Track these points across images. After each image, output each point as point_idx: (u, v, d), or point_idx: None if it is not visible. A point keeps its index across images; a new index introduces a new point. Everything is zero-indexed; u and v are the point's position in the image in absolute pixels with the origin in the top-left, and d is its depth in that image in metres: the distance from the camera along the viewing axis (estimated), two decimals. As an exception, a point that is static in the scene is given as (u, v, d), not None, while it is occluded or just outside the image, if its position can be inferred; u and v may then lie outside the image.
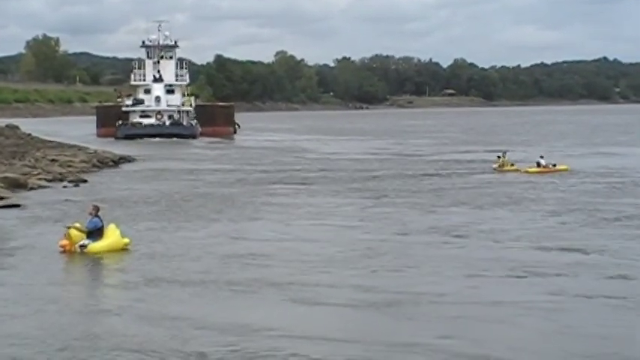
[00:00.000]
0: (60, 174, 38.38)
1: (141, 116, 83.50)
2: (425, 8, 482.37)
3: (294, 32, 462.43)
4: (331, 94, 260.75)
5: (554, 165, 40.83)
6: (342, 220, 25.54)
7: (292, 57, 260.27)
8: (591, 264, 18.46)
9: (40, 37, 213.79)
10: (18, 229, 23.44)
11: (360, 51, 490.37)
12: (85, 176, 38.94)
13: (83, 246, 19.85)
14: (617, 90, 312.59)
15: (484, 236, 22.18)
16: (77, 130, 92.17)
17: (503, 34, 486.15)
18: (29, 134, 61.38)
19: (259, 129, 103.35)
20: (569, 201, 29.41)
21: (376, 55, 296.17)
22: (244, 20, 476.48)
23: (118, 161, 48.82)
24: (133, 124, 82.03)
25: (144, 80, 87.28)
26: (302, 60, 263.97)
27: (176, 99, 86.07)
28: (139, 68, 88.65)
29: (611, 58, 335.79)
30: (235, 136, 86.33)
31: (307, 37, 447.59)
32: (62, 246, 19.95)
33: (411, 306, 14.97)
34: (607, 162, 46.46)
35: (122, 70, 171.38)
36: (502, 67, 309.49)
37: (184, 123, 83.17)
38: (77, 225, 20.38)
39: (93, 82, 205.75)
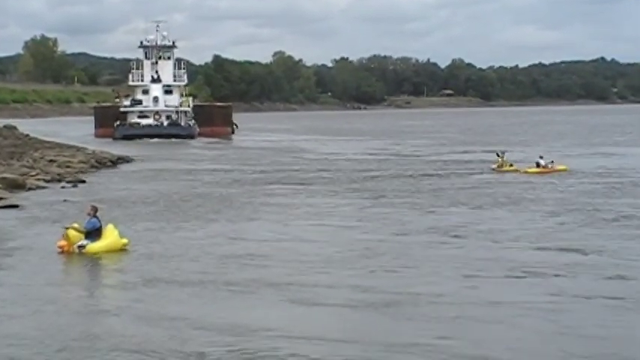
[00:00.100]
0: (58, 174, 38.37)
1: (139, 117, 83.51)
2: (425, 8, 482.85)
3: (293, 32, 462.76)
4: (329, 94, 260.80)
5: (552, 162, 40.83)
6: (341, 220, 25.53)
7: (290, 57, 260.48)
8: (590, 264, 18.46)
9: (38, 38, 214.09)
10: (16, 230, 23.41)
11: (359, 51, 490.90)
12: (83, 177, 38.93)
13: (81, 246, 19.84)
14: (615, 90, 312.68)
15: (483, 236, 22.17)
16: (75, 130, 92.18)
17: (503, 34, 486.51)
18: (27, 135, 61.42)
19: (257, 129, 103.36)
20: (568, 201, 29.40)
21: (374, 56, 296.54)
22: (243, 20, 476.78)
23: (116, 162, 48.82)
24: (131, 125, 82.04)
25: (142, 81, 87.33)
26: (300, 60, 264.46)
27: (174, 99, 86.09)
28: (137, 69, 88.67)
29: (609, 59, 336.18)
30: (233, 137, 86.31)
31: (307, 38, 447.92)
32: (60, 246, 19.93)
33: (410, 306, 14.96)
34: (605, 162, 46.48)
35: (120, 70, 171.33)
36: (500, 67, 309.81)
37: (182, 123, 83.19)
38: (75, 225, 20.38)
39: (91, 82, 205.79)
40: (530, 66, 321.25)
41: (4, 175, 33.94)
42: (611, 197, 30.54)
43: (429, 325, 13.77)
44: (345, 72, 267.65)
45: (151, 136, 77.30)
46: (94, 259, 19.45)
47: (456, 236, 22.25)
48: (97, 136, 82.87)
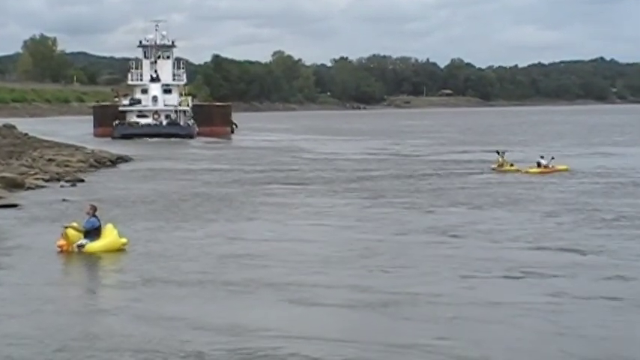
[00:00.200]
0: (57, 174, 38.34)
1: (138, 116, 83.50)
2: (425, 8, 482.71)
3: (293, 32, 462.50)
4: (328, 94, 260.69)
5: (553, 158, 40.79)
6: (340, 220, 25.52)
7: (290, 57, 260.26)
8: (590, 264, 18.45)
9: (38, 37, 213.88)
10: (15, 229, 23.40)
11: (359, 51, 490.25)
12: (82, 176, 38.90)
13: (81, 246, 19.83)
14: (614, 90, 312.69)
15: (482, 236, 22.16)
16: (74, 129, 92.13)
17: (502, 34, 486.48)
18: (26, 134, 61.38)
19: (256, 129, 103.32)
20: (568, 201, 29.39)
21: (374, 55, 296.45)
22: (243, 20, 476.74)
23: (116, 161, 48.77)
24: (130, 124, 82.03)
25: (141, 80, 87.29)
26: (299, 60, 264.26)
27: (173, 99, 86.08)
28: (137, 68, 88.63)
29: (608, 59, 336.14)
30: (232, 136, 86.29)
31: (307, 38, 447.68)
32: (60, 246, 19.92)
33: (409, 306, 14.95)
34: (606, 162, 46.48)
35: (119, 69, 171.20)
36: (499, 67, 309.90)
37: (181, 123, 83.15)
38: (75, 225, 20.36)
39: (90, 81, 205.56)
40: (529, 66, 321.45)
41: (3, 174, 33.91)
42: (611, 197, 30.53)
43: (427, 325, 13.76)
44: (345, 72, 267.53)
45: (150, 136, 77.28)
46: (93, 258, 19.44)
47: (455, 236, 22.24)
48: (96, 135, 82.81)
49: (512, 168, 41.19)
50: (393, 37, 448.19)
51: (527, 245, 20.78)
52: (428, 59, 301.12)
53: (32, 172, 37.34)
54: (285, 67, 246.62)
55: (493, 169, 41.58)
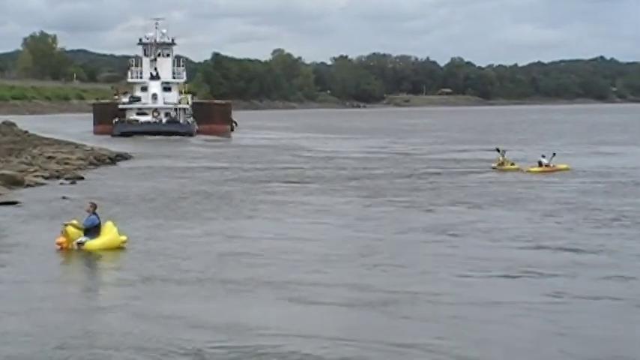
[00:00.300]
0: (57, 171, 38.31)
1: (137, 114, 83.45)
2: (424, 6, 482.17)
3: (291, 30, 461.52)
4: (328, 92, 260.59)
5: (554, 154, 40.73)
6: (339, 218, 25.50)
7: (289, 55, 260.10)
8: (590, 264, 18.43)
9: (38, 34, 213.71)
10: (15, 227, 23.38)
11: (358, 49, 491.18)
12: (81, 173, 38.87)
13: (80, 243, 19.83)
14: (614, 89, 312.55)
15: (482, 236, 22.14)
16: (74, 127, 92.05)
17: (502, 32, 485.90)
18: (26, 131, 61.24)
19: (256, 127, 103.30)
20: (568, 200, 29.37)
21: (373, 54, 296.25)
22: (242, 18, 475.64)
23: (115, 159, 48.74)
24: (130, 122, 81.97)
25: (141, 78, 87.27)
26: (299, 58, 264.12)
27: (173, 97, 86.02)
28: (136, 66, 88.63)
29: (608, 57, 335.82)
30: (232, 134, 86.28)
31: (305, 35, 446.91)
32: (59, 243, 19.91)
33: (408, 305, 14.94)
34: (606, 161, 46.47)
35: (119, 67, 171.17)
36: (499, 65, 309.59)
37: (181, 121, 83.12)
38: (74, 222, 20.35)
39: (90, 79, 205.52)
40: (529, 64, 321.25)
41: (3, 171, 33.90)
42: (612, 196, 30.51)
43: (427, 324, 13.75)
44: (344, 70, 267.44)
45: (150, 134, 77.21)
46: (93, 256, 19.43)
47: (455, 235, 22.21)
48: (95, 133, 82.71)
49: (513, 167, 41.10)
50: (392, 36, 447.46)
51: (527, 244, 20.76)
52: (427, 58, 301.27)
53: (32, 170, 37.32)
54: (285, 66, 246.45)
55: (493, 167, 41.47)
